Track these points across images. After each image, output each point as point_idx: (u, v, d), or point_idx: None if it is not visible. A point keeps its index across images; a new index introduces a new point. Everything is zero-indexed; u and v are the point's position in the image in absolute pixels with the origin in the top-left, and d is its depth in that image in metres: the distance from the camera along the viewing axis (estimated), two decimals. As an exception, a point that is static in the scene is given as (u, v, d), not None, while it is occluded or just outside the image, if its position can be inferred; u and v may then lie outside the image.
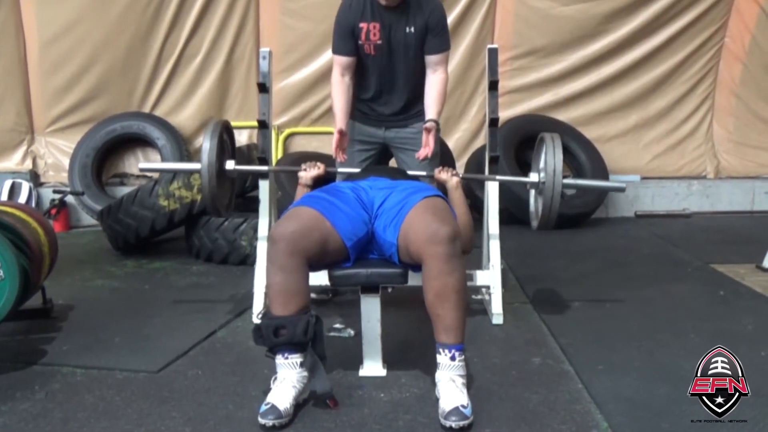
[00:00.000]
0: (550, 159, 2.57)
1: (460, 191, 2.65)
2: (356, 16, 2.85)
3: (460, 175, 2.70)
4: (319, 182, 2.65)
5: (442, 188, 2.61)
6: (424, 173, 2.77)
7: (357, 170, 2.80)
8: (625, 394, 2.15)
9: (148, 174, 5.53)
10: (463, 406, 1.94)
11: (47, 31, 5.27)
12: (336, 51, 2.95)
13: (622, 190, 2.91)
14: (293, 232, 2.09)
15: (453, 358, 2.06)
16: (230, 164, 2.75)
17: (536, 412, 2.04)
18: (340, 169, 2.83)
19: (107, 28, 5.25)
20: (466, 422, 1.91)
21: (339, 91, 2.94)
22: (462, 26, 5.35)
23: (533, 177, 2.75)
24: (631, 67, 5.49)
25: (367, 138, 3.06)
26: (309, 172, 2.67)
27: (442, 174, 2.69)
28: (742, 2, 5.41)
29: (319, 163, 2.71)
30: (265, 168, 2.98)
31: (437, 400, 2.03)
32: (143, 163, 3.00)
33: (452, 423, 1.90)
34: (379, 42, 2.86)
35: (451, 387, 2.01)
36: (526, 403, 2.10)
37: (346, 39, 2.90)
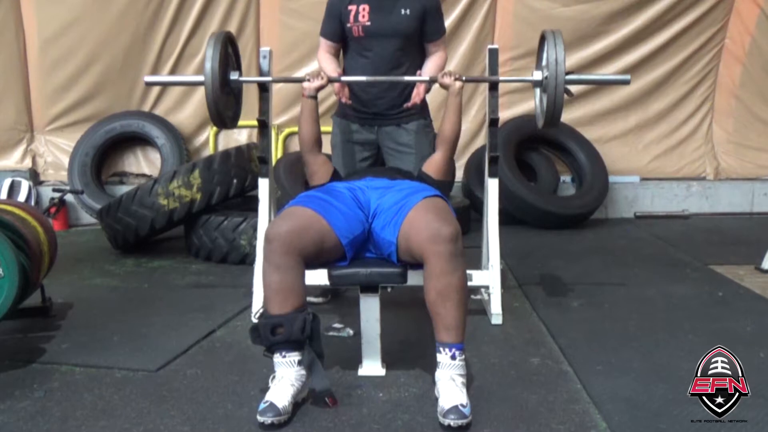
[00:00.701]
0: (551, 54, 2.59)
1: (460, 99, 2.71)
2: None
3: (464, 79, 2.73)
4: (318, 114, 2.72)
5: (441, 187, 2.60)
6: (426, 78, 2.80)
7: (360, 78, 2.85)
8: (623, 394, 2.15)
9: (148, 173, 5.54)
10: (462, 405, 1.94)
11: (47, 30, 5.26)
12: (323, 33, 3.00)
13: (627, 82, 2.94)
14: (288, 231, 2.09)
15: (453, 357, 2.06)
16: (234, 75, 2.75)
17: (535, 412, 2.04)
18: (343, 78, 2.86)
19: (107, 27, 5.24)
20: (464, 421, 1.91)
21: (326, 59, 2.99)
22: (462, 27, 5.35)
23: (536, 75, 2.78)
24: (631, 68, 5.48)
25: (363, 139, 3.06)
26: (313, 83, 2.71)
27: (445, 78, 2.72)
28: (742, 4, 5.41)
29: (322, 74, 2.75)
30: (268, 78, 2.97)
31: (436, 399, 2.03)
32: (148, 77, 3.01)
33: (451, 421, 1.90)
34: (368, 24, 2.86)
35: (450, 386, 2.01)
36: (525, 403, 2.11)
37: (332, 22, 2.93)
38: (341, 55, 3.08)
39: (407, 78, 2.87)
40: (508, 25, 5.40)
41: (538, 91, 2.87)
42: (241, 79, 2.80)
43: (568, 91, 2.61)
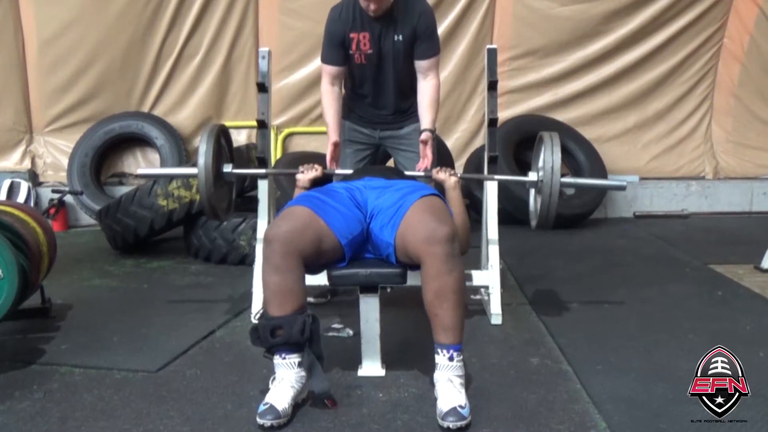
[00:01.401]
0: (548, 158, 2.56)
1: (458, 191, 2.62)
2: (346, 26, 2.85)
3: (459, 175, 2.68)
4: (316, 184, 2.65)
5: (440, 188, 2.61)
6: (422, 173, 2.76)
7: (347, 171, 2.78)
8: (623, 394, 2.16)
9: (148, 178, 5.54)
10: (460, 406, 1.94)
11: (46, 30, 5.26)
12: (325, 60, 2.95)
13: (622, 188, 2.90)
14: (287, 231, 2.09)
15: (451, 359, 2.06)
16: (228, 167, 2.75)
17: (534, 412, 2.04)
18: (337, 171, 2.83)
19: (106, 28, 5.24)
20: (463, 422, 1.91)
21: (329, 102, 2.95)
22: (461, 27, 5.35)
23: (532, 176, 2.75)
24: (630, 67, 5.50)
25: (362, 139, 3.07)
26: (306, 175, 2.65)
27: (440, 174, 2.66)
28: (741, 3, 5.41)
29: (316, 165, 2.69)
30: (263, 171, 2.97)
31: (436, 399, 2.03)
32: (141, 169, 2.98)
33: (450, 423, 1.90)
34: (370, 51, 2.87)
35: (449, 387, 2.01)
36: (525, 403, 2.11)
37: (335, 49, 2.90)
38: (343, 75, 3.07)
39: (407, 173, 2.78)
40: (506, 25, 5.40)
41: (532, 191, 2.86)
42: (235, 171, 2.78)
43: (562, 194, 2.59)
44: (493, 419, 1.99)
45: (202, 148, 2.54)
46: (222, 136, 2.73)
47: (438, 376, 2.07)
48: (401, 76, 2.94)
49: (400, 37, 2.84)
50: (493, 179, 2.97)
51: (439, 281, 2.04)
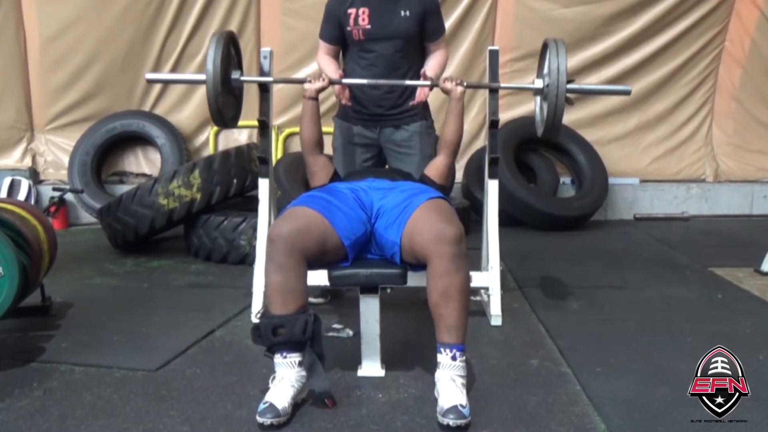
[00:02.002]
0: (553, 62, 2.57)
1: (462, 104, 2.71)
2: (344, 1, 2.87)
3: (465, 84, 2.72)
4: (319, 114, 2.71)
5: (442, 189, 2.60)
6: (427, 83, 2.79)
7: (361, 81, 2.85)
8: (623, 396, 2.16)
9: (148, 172, 5.54)
10: (461, 405, 1.94)
11: (48, 29, 5.27)
12: (321, 36, 2.99)
13: (628, 92, 2.95)
14: (291, 231, 2.09)
15: (454, 358, 2.06)
16: (236, 74, 2.76)
17: (534, 414, 2.04)
18: (344, 80, 2.85)
19: (108, 26, 5.25)
20: (463, 421, 1.91)
21: (327, 61, 2.99)
22: (462, 28, 5.36)
23: (538, 83, 2.77)
24: (631, 70, 5.51)
25: (365, 141, 3.06)
26: (314, 84, 2.71)
27: (447, 83, 2.72)
28: (743, 6, 5.42)
29: (324, 75, 2.75)
30: (270, 78, 2.98)
31: (436, 399, 2.03)
32: (149, 74, 2.99)
33: (450, 421, 1.90)
34: (368, 27, 2.86)
35: (450, 386, 2.01)
36: (524, 405, 2.11)
37: (332, 26, 2.93)
38: (341, 57, 3.08)
39: (408, 82, 2.87)
40: (508, 27, 5.41)
41: (538, 98, 2.87)
42: (243, 78, 2.80)
43: (568, 100, 2.61)
44: (493, 420, 1.99)
45: (211, 52, 2.55)
46: (231, 43, 2.73)
47: (440, 375, 2.07)
48: (403, 58, 2.92)
49: (407, 12, 2.85)
50: (497, 86, 2.97)
51: (446, 281, 2.04)
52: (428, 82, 2.79)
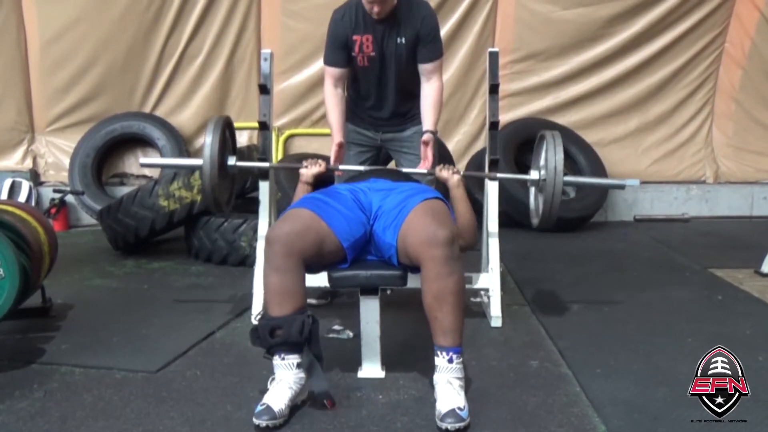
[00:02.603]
0: (551, 156, 2.57)
1: (462, 189, 2.63)
2: (349, 28, 2.86)
3: (461, 173, 2.69)
4: (319, 181, 2.65)
5: (443, 188, 2.61)
6: (424, 171, 2.76)
7: (359, 168, 2.80)
8: (622, 397, 2.16)
9: (148, 174, 5.55)
10: (459, 408, 1.94)
11: (48, 30, 5.27)
12: (328, 62, 2.95)
13: (622, 187, 2.93)
14: (289, 233, 2.10)
15: (450, 361, 2.06)
16: (232, 160, 2.75)
17: (534, 415, 2.05)
18: (341, 167, 2.83)
19: (108, 28, 5.25)
20: (462, 424, 1.91)
21: (333, 104, 2.95)
22: (463, 30, 5.36)
23: (534, 174, 2.76)
24: (631, 71, 5.51)
25: (364, 141, 3.07)
26: (310, 170, 2.65)
27: (443, 172, 2.67)
28: (743, 8, 5.42)
29: (320, 161, 2.69)
30: (266, 165, 2.98)
31: (436, 402, 2.03)
32: (144, 158, 2.97)
33: (448, 425, 1.90)
34: (372, 54, 2.87)
35: (448, 389, 2.01)
36: (524, 406, 2.11)
37: (339, 51, 2.90)
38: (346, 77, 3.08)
39: (405, 170, 2.80)
40: (508, 28, 5.41)
41: (533, 189, 2.86)
42: (238, 164, 2.79)
43: (564, 192, 2.60)
44: (493, 422, 1.99)
45: (208, 139, 2.55)
46: (227, 128, 2.73)
47: (437, 378, 2.07)
48: (403, 78, 2.94)
49: (403, 40, 2.85)
50: (495, 177, 2.98)
51: (439, 284, 2.04)
52: (425, 171, 2.76)
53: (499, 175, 2.99)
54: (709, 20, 5.44)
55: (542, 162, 2.71)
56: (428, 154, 2.82)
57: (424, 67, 2.91)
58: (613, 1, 5.30)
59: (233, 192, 2.96)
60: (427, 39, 2.87)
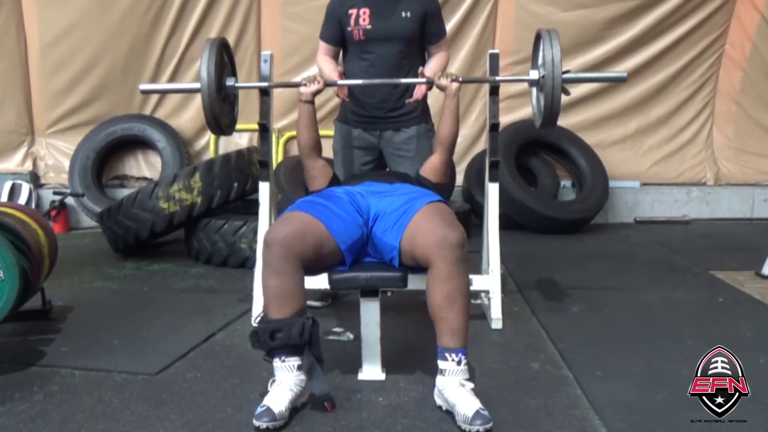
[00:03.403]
0: (548, 52, 2.58)
1: (456, 100, 2.66)
2: (345, 1, 2.87)
3: (460, 80, 2.69)
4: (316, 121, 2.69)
5: (441, 192, 2.60)
6: (423, 80, 2.77)
7: (357, 81, 2.84)
8: (623, 399, 2.15)
9: (148, 176, 5.55)
10: (482, 408, 1.95)
11: (48, 33, 5.28)
12: (322, 36, 3.00)
13: (623, 79, 3.02)
14: (286, 235, 2.09)
15: (459, 362, 2.06)
16: (230, 81, 2.76)
17: (534, 418, 2.04)
18: (339, 81, 2.85)
19: (109, 30, 5.26)
20: (490, 425, 1.92)
21: (326, 61, 3.00)
22: (463, 31, 5.36)
23: (533, 74, 2.77)
24: (632, 73, 5.49)
25: (365, 144, 3.07)
26: (309, 87, 2.67)
27: (442, 80, 2.67)
28: (743, 10, 5.42)
29: (318, 78, 2.72)
30: (264, 84, 2.96)
31: (437, 405, 2.04)
32: (143, 85, 2.97)
33: (479, 427, 1.90)
34: (369, 27, 2.87)
35: (462, 392, 2.01)
36: (525, 408, 2.10)
37: (333, 26, 2.93)
38: (341, 58, 3.09)
39: (404, 80, 2.87)
40: (508, 30, 5.42)
41: (534, 90, 2.87)
42: (237, 84, 2.80)
43: (565, 90, 2.60)
44: (494, 424, 1.98)
45: (204, 59, 2.55)
46: (224, 50, 2.73)
47: (446, 382, 2.05)
48: (403, 59, 2.93)
49: (408, 14, 2.86)
50: (494, 81, 2.96)
51: (450, 284, 2.04)
52: (423, 80, 2.77)
53: (498, 78, 3.00)
54: (710, 22, 5.44)
55: (540, 60, 2.71)
56: (421, 87, 2.87)
57: (432, 48, 2.97)
58: (614, 3, 5.30)
59: (235, 115, 2.95)
60: (433, 16, 2.93)
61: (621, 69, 5.47)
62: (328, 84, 2.75)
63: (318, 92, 2.69)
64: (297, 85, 2.74)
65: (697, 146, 5.76)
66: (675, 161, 5.75)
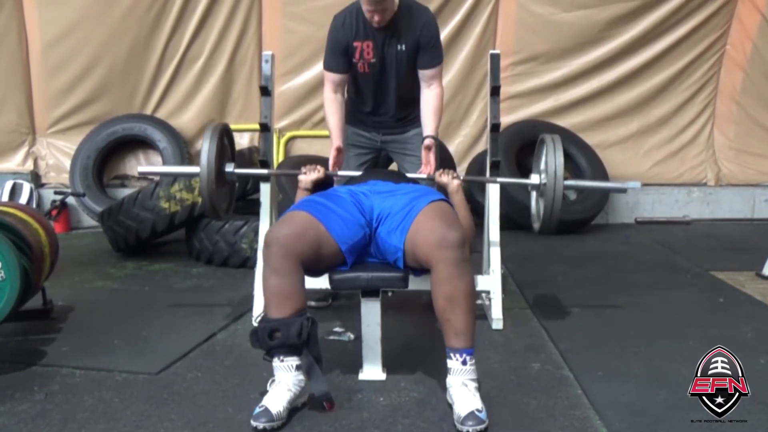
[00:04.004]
0: (551, 160, 2.57)
1: (461, 194, 2.63)
2: (350, 34, 2.85)
3: (461, 178, 2.68)
4: (319, 186, 2.65)
5: (443, 191, 2.60)
6: (424, 176, 2.76)
7: (357, 173, 2.80)
8: (624, 400, 2.15)
9: (149, 176, 5.55)
10: (478, 410, 1.95)
11: (50, 33, 5.28)
12: (328, 68, 2.95)
13: (623, 191, 2.93)
14: (286, 235, 2.10)
15: (464, 363, 2.06)
16: (230, 167, 2.75)
17: (535, 418, 2.04)
18: (340, 172, 2.83)
19: (110, 30, 5.26)
20: (482, 426, 1.91)
21: (333, 109, 2.95)
22: (464, 32, 5.36)
23: (534, 179, 2.76)
24: (633, 73, 5.51)
25: (363, 143, 3.07)
26: (309, 176, 2.65)
27: (443, 177, 2.66)
28: (744, 10, 5.42)
29: (319, 167, 2.69)
30: (264, 171, 2.98)
31: (450, 405, 2.04)
32: (142, 166, 2.96)
33: (469, 428, 1.90)
34: (373, 60, 2.88)
35: (464, 392, 2.01)
36: (525, 409, 2.11)
37: (339, 57, 2.90)
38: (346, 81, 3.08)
39: (409, 175, 2.79)
40: (509, 30, 5.42)
41: (534, 194, 2.87)
42: (237, 171, 2.79)
43: (565, 197, 2.60)
44: (494, 424, 1.99)
45: (205, 146, 2.55)
46: (225, 135, 2.73)
47: (451, 380, 2.06)
48: (403, 84, 2.94)
49: (403, 47, 2.85)
50: (495, 182, 2.98)
51: (451, 286, 2.04)
52: (424, 175, 2.76)
53: (499, 179, 2.99)
54: (711, 22, 5.44)
55: (542, 166, 2.71)
56: (430, 159, 2.81)
57: (424, 73, 2.91)
58: (615, 4, 5.30)
59: (233, 199, 2.96)
60: (427, 46, 2.87)
61: (622, 70, 5.50)
62: (328, 174, 2.71)
63: (318, 180, 2.65)
64: (296, 173, 2.71)
65: (697, 147, 5.76)
66: (676, 162, 5.74)
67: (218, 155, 2.60)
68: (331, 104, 2.95)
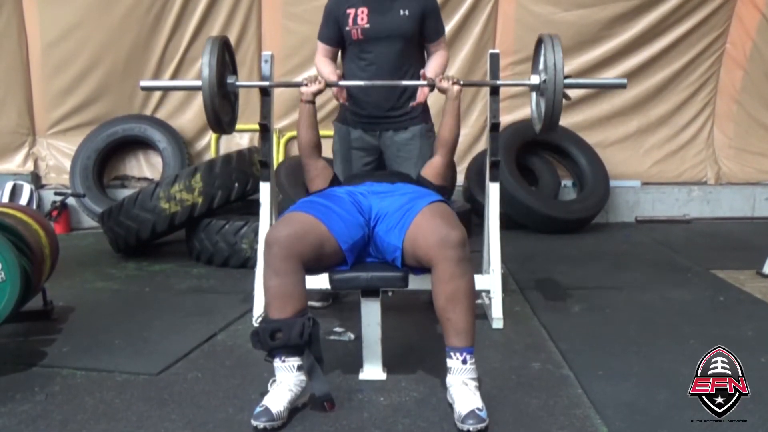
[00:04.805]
0: (549, 57, 2.58)
1: (458, 102, 2.67)
2: (343, 1, 2.87)
3: (461, 83, 2.69)
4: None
5: (443, 191, 2.60)
6: (424, 83, 2.76)
7: (359, 83, 2.85)
8: (624, 399, 2.15)
9: (149, 176, 5.55)
10: (478, 409, 1.95)
11: (50, 33, 5.28)
12: (320, 37, 3.01)
13: (623, 85, 2.99)
14: (287, 236, 2.10)
15: (464, 362, 2.06)
16: (231, 79, 2.76)
17: (535, 417, 2.04)
18: (341, 82, 2.85)
19: (110, 31, 5.26)
20: (482, 425, 1.92)
21: (325, 63, 3.00)
22: (463, 31, 5.36)
23: (534, 79, 2.77)
24: (632, 72, 5.50)
25: (365, 145, 3.06)
26: (310, 88, 2.68)
27: (443, 82, 2.68)
28: (744, 9, 5.42)
29: (319, 78, 2.72)
30: (265, 84, 2.98)
31: (450, 405, 2.04)
32: (144, 81, 2.98)
33: (470, 427, 1.91)
34: (367, 26, 2.86)
35: (464, 390, 2.01)
36: (526, 408, 2.11)
37: (331, 27, 2.93)
38: (339, 58, 3.09)
39: (405, 82, 2.87)
40: (509, 30, 5.41)
41: (534, 95, 2.87)
42: (238, 83, 2.80)
43: (566, 96, 2.60)
44: (495, 424, 1.99)
45: (206, 59, 2.56)
46: (225, 47, 2.73)
47: (452, 379, 2.07)
48: (402, 58, 2.92)
49: (407, 12, 2.85)
50: (495, 84, 2.97)
51: (452, 285, 2.04)
52: (425, 82, 2.77)
53: (498, 82, 3.00)
54: (710, 21, 5.44)
55: (541, 66, 2.70)
56: (425, 89, 2.86)
57: (431, 46, 2.97)
58: (614, 3, 5.30)
59: (235, 113, 2.95)
60: (432, 14, 2.92)
61: (621, 69, 5.48)
62: (329, 84, 2.75)
63: (319, 92, 2.70)
64: (298, 85, 2.75)
65: (697, 145, 5.75)
66: (676, 160, 5.74)
67: (219, 65, 2.59)
68: (323, 60, 3.01)
